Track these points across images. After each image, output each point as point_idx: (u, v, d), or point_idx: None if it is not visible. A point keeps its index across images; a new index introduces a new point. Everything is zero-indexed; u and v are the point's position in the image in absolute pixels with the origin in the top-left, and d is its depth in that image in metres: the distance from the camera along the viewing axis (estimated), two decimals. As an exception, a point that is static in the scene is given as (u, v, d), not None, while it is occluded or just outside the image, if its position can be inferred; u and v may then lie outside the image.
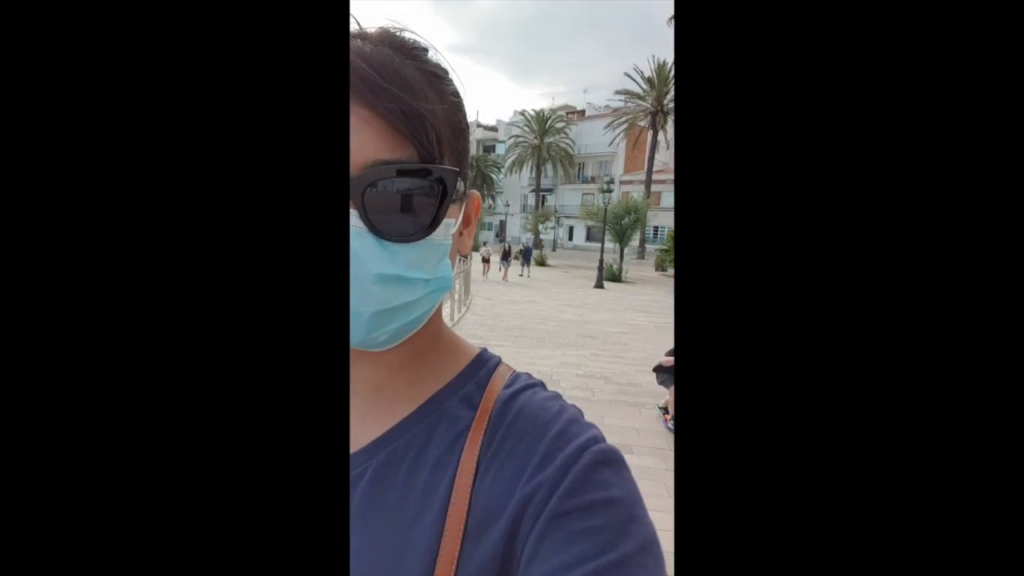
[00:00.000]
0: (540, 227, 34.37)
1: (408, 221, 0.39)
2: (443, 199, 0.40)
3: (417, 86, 0.39)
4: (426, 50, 0.43)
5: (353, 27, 0.42)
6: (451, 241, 0.43)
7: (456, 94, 0.44)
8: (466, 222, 0.46)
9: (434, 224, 0.40)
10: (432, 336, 0.47)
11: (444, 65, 0.44)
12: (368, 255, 0.38)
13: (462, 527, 0.39)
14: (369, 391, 0.46)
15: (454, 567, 0.38)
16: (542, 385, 0.48)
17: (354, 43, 0.40)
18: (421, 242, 0.40)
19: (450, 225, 0.42)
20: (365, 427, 0.45)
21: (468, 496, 0.40)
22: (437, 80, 0.42)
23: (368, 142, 0.37)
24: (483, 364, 0.48)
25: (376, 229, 0.38)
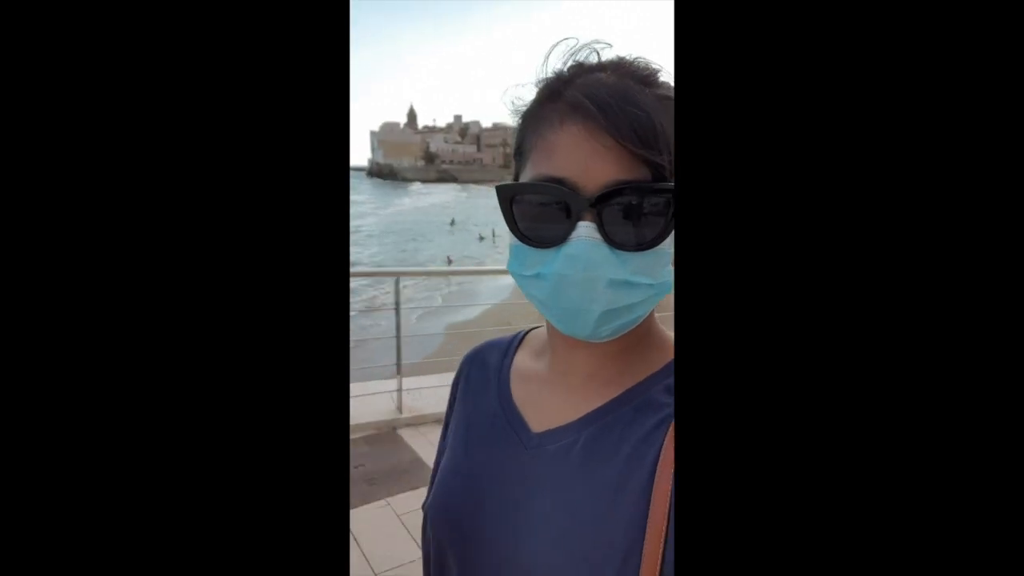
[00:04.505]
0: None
1: (639, 232, 0.44)
2: (671, 213, 0.44)
3: (652, 112, 0.44)
4: (658, 72, 0.48)
5: (593, 60, 0.47)
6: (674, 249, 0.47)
7: None
8: None
9: (662, 235, 0.44)
10: (643, 331, 0.52)
11: (672, 83, 0.48)
12: (602, 261, 0.44)
13: (667, 503, 0.43)
14: (583, 375, 0.53)
15: (663, 535, 0.43)
16: None
17: (595, 75, 0.46)
18: (649, 251, 0.44)
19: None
20: (577, 404, 0.53)
21: (671, 475, 0.44)
22: (668, 101, 0.46)
23: (609, 164, 0.43)
24: None
25: (610, 240, 0.44)
